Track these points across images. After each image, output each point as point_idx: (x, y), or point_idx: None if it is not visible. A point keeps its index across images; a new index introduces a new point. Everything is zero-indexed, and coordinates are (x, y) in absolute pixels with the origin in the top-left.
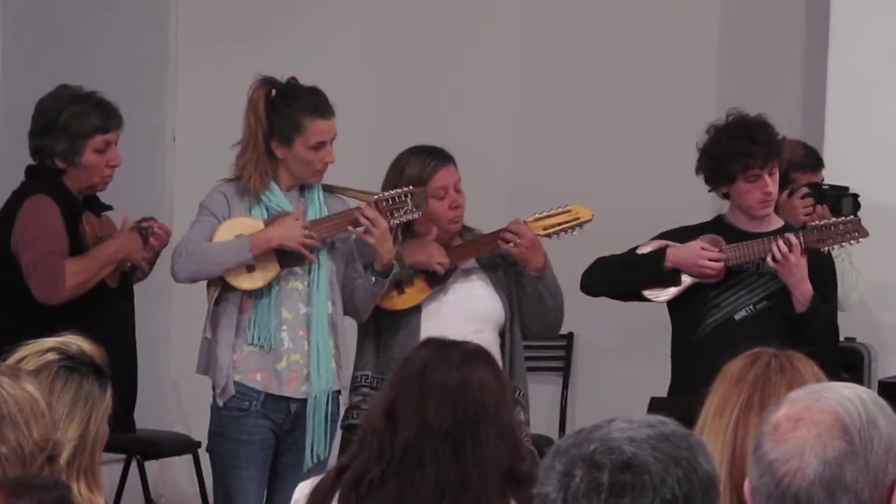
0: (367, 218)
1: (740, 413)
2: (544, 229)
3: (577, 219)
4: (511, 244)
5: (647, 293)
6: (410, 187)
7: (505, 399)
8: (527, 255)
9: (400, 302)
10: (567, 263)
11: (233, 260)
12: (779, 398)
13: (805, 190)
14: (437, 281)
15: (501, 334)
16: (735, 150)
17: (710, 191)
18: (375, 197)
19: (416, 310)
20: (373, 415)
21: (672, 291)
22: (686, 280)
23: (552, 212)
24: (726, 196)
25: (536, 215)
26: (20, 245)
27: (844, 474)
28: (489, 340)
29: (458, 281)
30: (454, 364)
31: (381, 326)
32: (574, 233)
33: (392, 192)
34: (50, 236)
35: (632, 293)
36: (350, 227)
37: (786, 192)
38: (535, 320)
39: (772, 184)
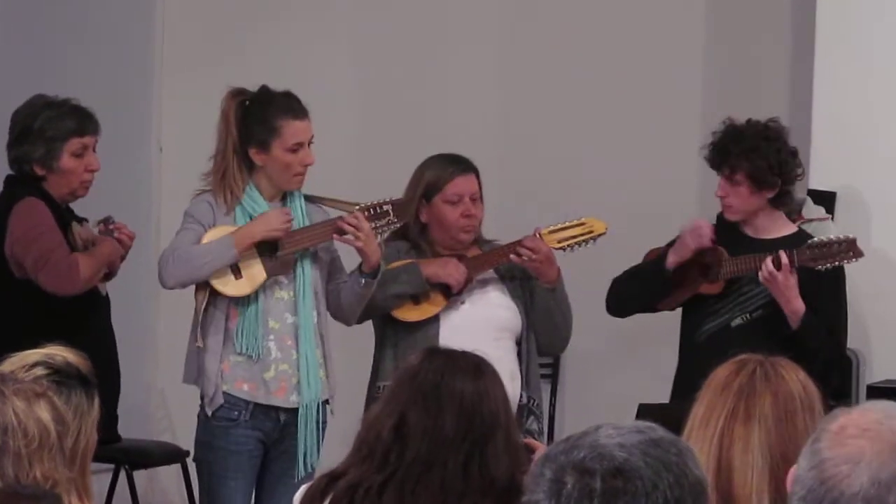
0: (350, 224)
1: (725, 423)
2: (559, 242)
3: (591, 232)
4: (525, 258)
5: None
6: (391, 197)
7: (510, 410)
8: (541, 268)
9: (415, 314)
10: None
11: (218, 259)
12: (764, 407)
13: None
14: (452, 293)
15: (517, 343)
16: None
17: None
18: (357, 207)
19: (436, 319)
20: (379, 425)
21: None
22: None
23: (566, 224)
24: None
25: (551, 227)
26: (20, 245)
27: (889, 498)
28: (508, 349)
29: (476, 291)
30: (469, 375)
31: (398, 336)
32: (588, 246)
33: (374, 202)
34: (52, 232)
35: (657, 302)
36: (335, 236)
37: None
38: (542, 335)
39: None
